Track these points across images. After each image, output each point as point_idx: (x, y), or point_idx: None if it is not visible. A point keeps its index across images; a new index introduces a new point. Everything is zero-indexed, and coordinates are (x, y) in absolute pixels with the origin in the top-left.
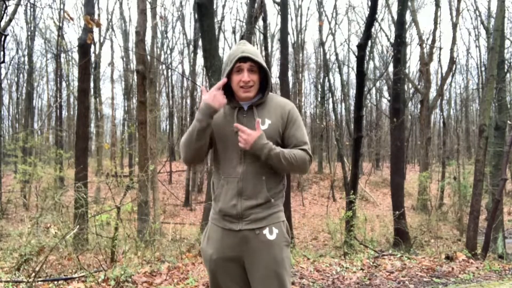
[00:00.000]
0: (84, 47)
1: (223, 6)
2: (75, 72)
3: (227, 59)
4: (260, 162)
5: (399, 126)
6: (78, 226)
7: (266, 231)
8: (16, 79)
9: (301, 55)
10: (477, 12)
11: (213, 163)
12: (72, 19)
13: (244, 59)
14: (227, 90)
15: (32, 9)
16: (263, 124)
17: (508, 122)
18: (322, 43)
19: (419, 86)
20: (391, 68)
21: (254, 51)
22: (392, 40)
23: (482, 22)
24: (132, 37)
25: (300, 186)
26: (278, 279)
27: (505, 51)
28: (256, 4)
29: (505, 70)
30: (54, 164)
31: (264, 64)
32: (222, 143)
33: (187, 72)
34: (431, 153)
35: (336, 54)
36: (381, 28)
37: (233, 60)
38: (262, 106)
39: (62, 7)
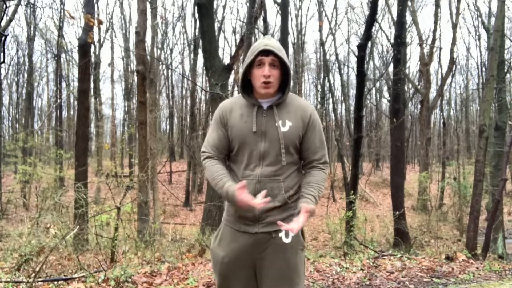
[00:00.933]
0: (84, 47)
1: (223, 7)
2: (75, 72)
3: (249, 52)
4: (279, 165)
5: (399, 126)
6: (78, 226)
7: (282, 234)
8: (16, 79)
9: (301, 55)
10: (477, 12)
11: (230, 163)
12: (73, 17)
13: (266, 52)
14: (246, 85)
15: (32, 9)
16: (283, 126)
17: (509, 122)
18: (322, 43)
19: (419, 87)
20: (391, 69)
21: (278, 46)
22: (392, 41)
23: (482, 23)
24: (132, 37)
25: None
26: (290, 284)
27: (505, 51)
28: (256, 4)
29: (505, 71)
30: (54, 164)
31: (286, 60)
32: (240, 144)
33: (187, 72)
34: (431, 153)
35: (336, 54)
36: (381, 28)
37: (255, 52)
38: (282, 106)
39: (62, 7)
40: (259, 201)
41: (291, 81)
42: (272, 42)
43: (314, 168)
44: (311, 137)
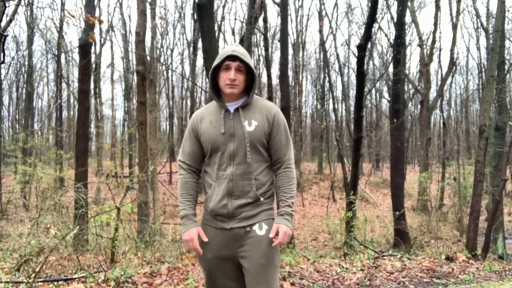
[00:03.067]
0: (84, 48)
1: (223, 7)
2: (75, 72)
3: (218, 56)
4: (249, 163)
5: (399, 126)
6: (78, 227)
7: (256, 227)
8: (16, 79)
9: (301, 55)
10: (477, 13)
11: (204, 167)
12: (73, 16)
13: (233, 57)
14: (215, 89)
15: (31, 10)
16: (250, 126)
17: (509, 122)
18: (322, 44)
19: (419, 87)
20: (391, 69)
21: (244, 53)
22: (392, 41)
23: (481, 23)
24: (132, 38)
25: (300, 187)
26: (266, 272)
27: (505, 51)
28: (256, 5)
29: (505, 71)
30: (54, 164)
31: (252, 65)
32: (212, 147)
33: (187, 73)
34: (431, 153)
35: (337, 55)
36: (381, 28)
37: (222, 57)
38: (248, 108)
39: (62, 7)
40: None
41: (255, 86)
42: (239, 49)
43: (281, 169)
44: (277, 135)
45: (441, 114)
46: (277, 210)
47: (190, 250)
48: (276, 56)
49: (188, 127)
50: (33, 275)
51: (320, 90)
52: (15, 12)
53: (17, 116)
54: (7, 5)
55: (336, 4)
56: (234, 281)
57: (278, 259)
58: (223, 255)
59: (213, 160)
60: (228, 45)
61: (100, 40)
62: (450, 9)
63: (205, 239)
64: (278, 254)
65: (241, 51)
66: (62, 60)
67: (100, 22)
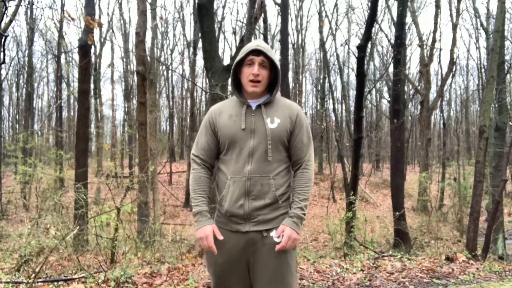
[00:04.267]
0: (84, 48)
1: (223, 7)
2: (75, 73)
3: (241, 51)
4: (268, 162)
5: (399, 127)
6: (78, 227)
7: (273, 233)
8: (16, 80)
9: (301, 55)
10: (477, 13)
11: (219, 164)
12: (73, 19)
13: (257, 52)
14: (236, 84)
15: (31, 10)
16: (272, 123)
17: (509, 123)
18: (322, 44)
19: (419, 87)
20: (391, 69)
21: (268, 48)
22: (392, 41)
23: (481, 24)
24: (132, 38)
25: None
26: (283, 282)
27: (505, 52)
28: (256, 5)
29: (505, 71)
30: (54, 165)
31: (276, 61)
32: (230, 143)
33: (187, 73)
34: (431, 154)
35: (337, 55)
36: (381, 29)
37: (246, 51)
38: (270, 105)
39: (62, 8)
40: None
41: (279, 83)
42: (263, 44)
43: (300, 169)
44: (299, 134)
45: (441, 114)
46: (289, 211)
47: (204, 249)
48: (277, 56)
49: (205, 121)
50: (33, 275)
51: (320, 90)
52: (15, 12)
53: (17, 117)
54: (7, 5)
55: (336, 5)
56: (245, 286)
57: (294, 265)
58: (235, 259)
59: (229, 157)
60: (228, 45)
61: (100, 41)
62: (450, 10)
63: (220, 237)
64: (294, 259)
65: (265, 46)
66: (62, 61)
67: (100, 25)
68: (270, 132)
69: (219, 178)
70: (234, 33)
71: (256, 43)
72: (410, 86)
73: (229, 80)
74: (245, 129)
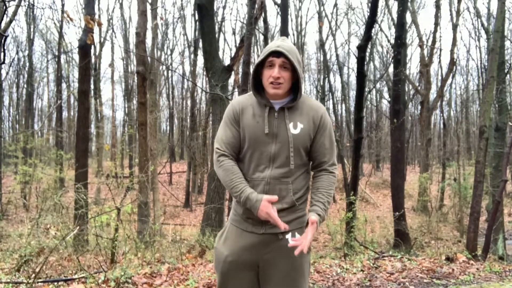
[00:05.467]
0: (84, 48)
1: (223, 7)
2: (75, 73)
3: (262, 52)
4: (288, 167)
5: (399, 127)
6: (78, 227)
7: (289, 236)
8: (16, 80)
9: (301, 56)
10: (477, 13)
11: (239, 164)
12: (72, 19)
13: (277, 53)
14: (258, 85)
15: (31, 10)
16: (295, 128)
17: (509, 123)
18: (322, 44)
19: (419, 87)
20: (391, 69)
21: (290, 48)
22: (392, 41)
23: (482, 24)
24: (133, 38)
25: None
26: (294, 285)
27: (506, 52)
28: (256, 5)
29: (506, 71)
30: (54, 165)
31: (297, 64)
32: (251, 145)
33: (187, 73)
34: (431, 154)
35: (337, 55)
36: (381, 29)
37: (266, 53)
38: (294, 108)
39: (62, 8)
40: (283, 224)
41: (303, 84)
42: (285, 44)
43: (323, 172)
44: (321, 138)
45: (441, 114)
46: (310, 210)
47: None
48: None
49: (228, 114)
50: (33, 275)
51: (320, 90)
52: (15, 12)
53: (17, 117)
54: (7, 5)
55: (336, 5)
56: None
57: (308, 268)
58: (245, 260)
59: (248, 159)
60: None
61: (100, 41)
62: (450, 10)
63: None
64: (308, 262)
65: (286, 47)
66: (62, 61)
67: (99, 24)
68: (292, 139)
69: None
70: (234, 33)
71: (277, 43)
72: (410, 86)
73: (249, 83)
74: (268, 133)
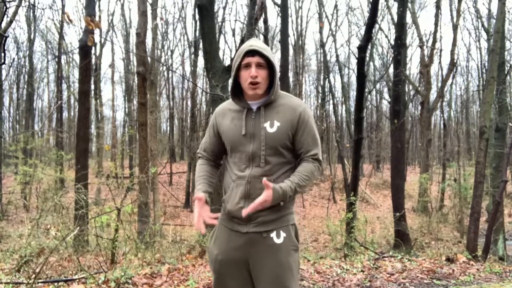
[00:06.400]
0: (84, 49)
1: (224, 8)
2: (75, 73)
3: (236, 55)
4: (269, 165)
5: (400, 127)
6: (78, 228)
7: (273, 235)
8: (16, 80)
9: (301, 56)
10: (477, 14)
11: (225, 166)
12: (71, 21)
13: (252, 52)
14: (237, 89)
15: (33, 11)
16: (271, 127)
17: (509, 124)
18: (322, 45)
19: (419, 88)
20: (391, 70)
21: (264, 46)
22: (392, 42)
23: (482, 24)
24: (133, 39)
25: None
26: (282, 284)
27: (506, 53)
28: (256, 6)
29: (506, 72)
30: (54, 165)
31: (272, 59)
32: (232, 147)
33: (187, 74)
34: (432, 154)
35: (337, 56)
36: (381, 29)
37: (241, 54)
38: (271, 106)
39: (62, 8)
40: (201, 226)
41: (278, 81)
42: (257, 43)
43: (303, 159)
44: (303, 136)
45: (441, 115)
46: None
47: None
48: (277, 57)
49: (211, 121)
50: (33, 276)
51: (320, 91)
52: (15, 13)
53: (17, 117)
54: (7, 6)
55: (336, 6)
56: (244, 286)
57: (296, 268)
58: (235, 258)
59: (233, 160)
60: (228, 46)
61: (101, 41)
62: (451, 10)
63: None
64: (297, 262)
65: (260, 45)
66: (63, 61)
67: (98, 27)
68: (264, 137)
69: (225, 178)
70: (235, 34)
71: (250, 43)
72: (411, 87)
73: (229, 87)
74: (245, 134)
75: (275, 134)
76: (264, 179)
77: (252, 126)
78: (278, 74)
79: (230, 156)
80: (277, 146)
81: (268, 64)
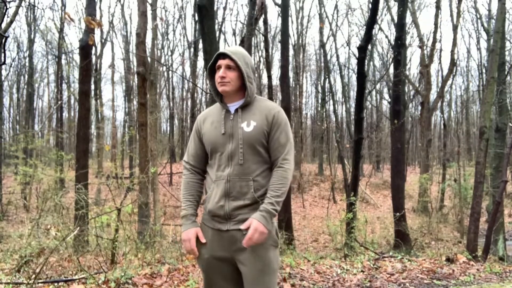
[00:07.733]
0: (85, 49)
1: (224, 8)
2: (75, 73)
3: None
4: (248, 165)
5: (400, 128)
6: (78, 228)
7: (243, 227)
8: (16, 80)
9: (301, 56)
10: (477, 14)
11: (207, 168)
12: (72, 20)
13: (222, 56)
14: (216, 91)
15: (33, 11)
16: (248, 126)
17: (509, 124)
18: (322, 45)
19: (419, 88)
20: (391, 70)
21: (236, 50)
22: (392, 42)
23: (482, 24)
24: (133, 39)
25: (301, 188)
26: (263, 277)
27: (506, 53)
28: (256, 6)
29: (506, 72)
30: (54, 165)
31: (240, 63)
32: (212, 148)
33: (188, 74)
34: (432, 155)
35: (337, 56)
36: (381, 30)
37: (214, 57)
38: (248, 108)
39: (63, 8)
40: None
41: (250, 84)
42: (231, 48)
43: (276, 168)
44: (276, 134)
45: (441, 115)
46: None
47: (187, 251)
48: (277, 57)
49: (193, 128)
50: (33, 276)
51: (320, 91)
52: (15, 13)
53: (17, 117)
54: (8, 6)
55: (336, 6)
56: (231, 282)
57: (276, 263)
58: (220, 256)
59: (213, 161)
60: (228, 46)
61: (101, 41)
62: (451, 10)
63: (203, 240)
64: (277, 258)
65: (232, 49)
66: (63, 61)
67: (100, 25)
68: (242, 136)
69: (207, 181)
70: (235, 34)
71: (225, 48)
72: (411, 87)
73: (208, 86)
74: (225, 134)
75: (252, 133)
76: (243, 241)
77: (231, 127)
78: (252, 77)
79: (211, 159)
80: (254, 144)
81: (239, 67)
